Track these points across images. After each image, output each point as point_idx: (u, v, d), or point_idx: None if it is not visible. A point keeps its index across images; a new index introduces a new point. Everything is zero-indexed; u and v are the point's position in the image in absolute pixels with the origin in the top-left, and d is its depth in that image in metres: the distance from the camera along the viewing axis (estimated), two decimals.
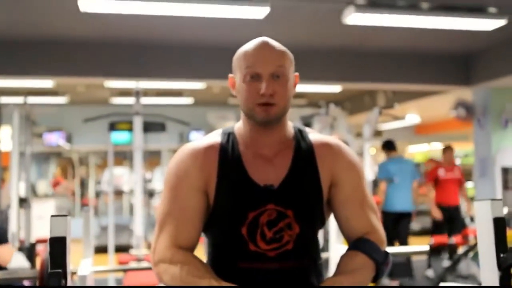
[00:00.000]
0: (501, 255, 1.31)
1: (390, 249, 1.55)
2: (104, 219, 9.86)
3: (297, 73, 1.46)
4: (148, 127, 6.19)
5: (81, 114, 7.56)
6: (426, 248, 3.03)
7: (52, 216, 1.26)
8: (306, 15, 5.29)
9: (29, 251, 5.10)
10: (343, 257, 1.43)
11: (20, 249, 5.07)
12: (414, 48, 6.74)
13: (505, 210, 5.25)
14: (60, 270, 1.20)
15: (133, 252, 5.91)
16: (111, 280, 5.80)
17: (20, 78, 6.38)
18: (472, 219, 6.93)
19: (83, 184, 12.70)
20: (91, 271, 2.42)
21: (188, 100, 9.44)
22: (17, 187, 5.74)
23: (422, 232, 10.13)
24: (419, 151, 16.81)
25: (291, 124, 1.51)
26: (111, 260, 5.78)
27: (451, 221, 6.53)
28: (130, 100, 6.64)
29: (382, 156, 6.85)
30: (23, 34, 5.74)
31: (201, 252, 1.47)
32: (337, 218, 1.50)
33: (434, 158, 13.18)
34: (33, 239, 5.47)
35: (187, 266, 1.33)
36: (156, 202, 10.46)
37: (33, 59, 5.99)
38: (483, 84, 6.97)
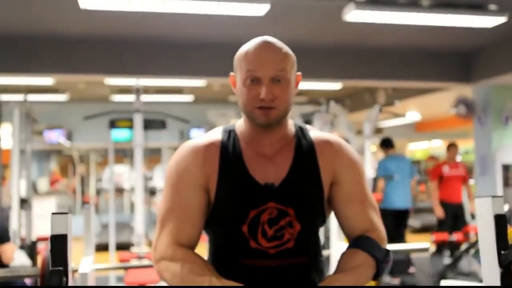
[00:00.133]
0: (502, 252, 1.31)
1: (390, 247, 1.55)
2: (105, 217, 9.88)
3: (299, 73, 1.45)
4: (149, 125, 6.19)
5: (82, 111, 7.56)
6: (427, 245, 3.03)
7: (53, 213, 1.26)
8: (306, 12, 5.28)
9: (30, 249, 5.11)
10: (343, 255, 1.43)
11: (21, 247, 5.08)
12: (415, 46, 6.73)
13: (506, 207, 5.25)
14: (61, 268, 1.20)
15: (134, 250, 5.91)
16: (112, 278, 5.81)
17: (20, 75, 6.38)
18: (473, 216, 6.94)
19: (83, 182, 12.71)
20: (92, 269, 2.42)
21: (188, 98, 9.44)
22: (17, 185, 5.74)
23: (423, 230, 10.15)
24: (419, 149, 16.83)
25: (291, 122, 1.51)
26: (112, 258, 5.78)
27: (456, 218, 6.52)
28: (130, 98, 6.64)
29: (382, 154, 6.84)
30: (23, 31, 5.74)
31: (203, 249, 1.47)
32: (337, 216, 1.50)
33: (435, 155, 13.20)
34: (34, 237, 5.47)
35: (188, 263, 1.32)
36: (157, 199, 10.47)
37: (33, 56, 5.99)
38: (483, 81, 6.97)
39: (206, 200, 1.42)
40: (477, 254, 5.27)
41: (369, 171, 6.79)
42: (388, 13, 4.61)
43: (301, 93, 9.03)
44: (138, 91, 6.10)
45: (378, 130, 9.92)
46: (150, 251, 5.90)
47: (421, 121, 12.87)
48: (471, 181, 6.78)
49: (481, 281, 1.41)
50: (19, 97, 6.18)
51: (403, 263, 6.08)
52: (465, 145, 12.90)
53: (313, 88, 8.29)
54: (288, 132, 1.47)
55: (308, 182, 1.43)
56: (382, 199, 6.27)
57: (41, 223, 6.53)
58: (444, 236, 6.12)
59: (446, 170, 6.55)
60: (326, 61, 6.73)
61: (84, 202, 11.85)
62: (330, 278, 1.35)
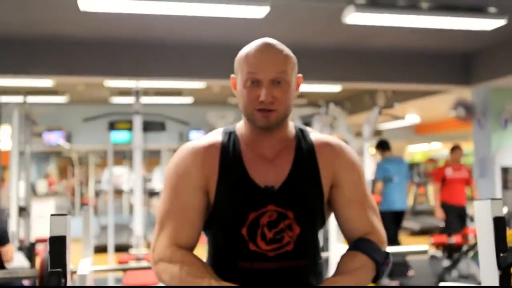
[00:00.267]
0: (501, 255, 1.31)
1: (390, 249, 1.55)
2: (104, 219, 9.87)
3: (300, 75, 1.45)
4: (148, 127, 6.19)
5: (81, 113, 7.57)
6: (426, 248, 3.03)
7: (52, 215, 1.26)
8: (306, 15, 5.29)
9: (29, 251, 5.11)
10: (343, 257, 1.42)
11: (20, 248, 5.07)
12: (414, 48, 6.74)
13: (505, 210, 5.26)
14: (60, 270, 1.20)
15: (132, 251, 5.91)
16: (111, 280, 5.80)
17: (19, 77, 6.38)
18: (471, 219, 6.94)
19: (81, 184, 12.69)
20: (91, 270, 2.41)
21: (187, 100, 9.44)
22: (16, 187, 5.74)
23: (421, 232, 10.15)
24: (419, 151, 16.83)
25: (292, 124, 1.50)
26: (110, 259, 5.77)
27: (461, 219, 6.51)
28: (129, 100, 6.63)
29: (378, 156, 6.86)
30: (23, 33, 5.74)
31: (202, 251, 1.47)
32: (337, 218, 1.50)
33: (434, 157, 13.20)
34: (32, 239, 5.47)
35: (187, 265, 1.32)
36: (156, 201, 10.46)
37: (33, 58, 5.99)
38: (483, 84, 6.98)
39: (205, 201, 1.41)
40: (475, 257, 5.27)
41: (369, 173, 6.80)
42: (388, 15, 4.61)
43: (301, 95, 9.03)
44: (137, 93, 6.10)
45: (377, 133, 9.92)
46: (148, 252, 5.89)
47: (420, 124, 12.88)
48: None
49: (479, 283, 1.41)
50: (18, 98, 6.17)
51: (400, 265, 6.09)
52: (465, 148, 12.88)
53: (312, 90, 8.29)
54: (289, 134, 1.46)
55: (308, 185, 1.42)
56: (380, 201, 6.28)
57: (39, 225, 6.52)
58: (443, 238, 6.12)
59: (449, 172, 6.50)
60: (326, 63, 6.74)
61: (83, 204, 11.84)
62: (329, 280, 1.35)
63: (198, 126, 10.24)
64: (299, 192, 1.41)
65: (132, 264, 5.11)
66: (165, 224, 1.40)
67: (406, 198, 6.53)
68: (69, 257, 1.25)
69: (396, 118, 9.29)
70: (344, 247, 1.48)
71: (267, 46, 1.38)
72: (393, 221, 6.30)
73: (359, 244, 1.42)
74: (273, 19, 5.02)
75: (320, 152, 1.46)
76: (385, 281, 5.71)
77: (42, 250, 4.66)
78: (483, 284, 1.36)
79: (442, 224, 6.74)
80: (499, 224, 1.33)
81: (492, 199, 1.34)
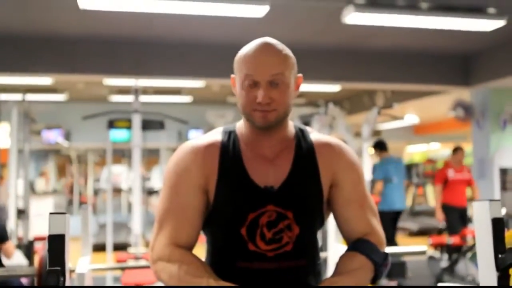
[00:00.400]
0: (499, 256, 1.31)
1: (388, 249, 1.55)
2: (103, 217, 9.87)
3: (300, 75, 1.45)
4: (147, 125, 6.19)
5: (80, 111, 7.56)
6: (424, 248, 3.03)
7: (51, 213, 1.26)
8: (306, 14, 5.29)
9: (27, 249, 5.10)
10: (342, 258, 1.43)
11: (19, 246, 5.07)
12: (414, 48, 6.74)
13: (503, 211, 5.25)
14: (58, 268, 1.20)
15: (131, 250, 5.90)
16: (109, 278, 5.80)
17: (19, 75, 6.38)
18: (471, 220, 6.94)
19: (73, 183, 12.69)
20: (89, 269, 2.41)
21: (187, 99, 9.44)
22: (15, 184, 5.74)
23: (420, 233, 10.15)
24: (417, 151, 16.84)
25: (292, 124, 1.50)
26: (109, 258, 5.77)
27: (462, 220, 6.50)
28: (129, 98, 6.63)
29: (376, 156, 6.87)
30: (23, 31, 5.74)
31: (201, 251, 1.47)
32: (336, 219, 1.50)
33: (433, 158, 13.21)
34: (31, 237, 5.47)
35: (185, 265, 1.32)
36: (155, 200, 10.46)
37: (32, 56, 5.98)
38: (482, 84, 6.98)
39: (204, 201, 1.41)
40: (474, 258, 5.27)
41: (367, 173, 6.80)
42: (387, 15, 4.61)
43: (300, 94, 8.95)
44: (136, 91, 6.10)
45: (376, 133, 9.93)
46: (147, 251, 5.88)
47: (419, 124, 12.89)
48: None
49: (478, 284, 1.41)
50: (17, 96, 6.17)
51: (398, 266, 6.10)
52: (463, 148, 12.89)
53: (312, 90, 8.29)
54: (288, 134, 1.46)
55: (307, 185, 1.42)
56: (380, 201, 6.29)
57: (38, 223, 6.52)
58: (441, 239, 6.12)
59: (451, 174, 6.45)
60: (325, 63, 6.74)
61: (82, 202, 11.83)
62: (328, 280, 1.35)
63: (197, 125, 10.24)
64: (299, 192, 1.41)
65: (131, 262, 5.11)
66: (164, 223, 1.40)
67: (405, 198, 6.56)
68: (67, 256, 1.25)
69: (395, 118, 9.30)
70: (342, 248, 1.48)
71: (265, 47, 1.37)
72: (393, 221, 6.34)
73: (358, 244, 1.42)
74: (272, 18, 5.02)
75: (320, 152, 1.46)
76: (384, 281, 5.72)
77: (41, 248, 4.65)
78: (481, 285, 1.37)
79: (441, 225, 6.74)
80: (498, 225, 1.33)
81: (491, 200, 1.34)
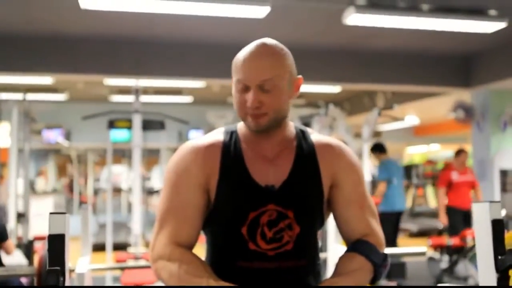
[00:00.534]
0: (499, 257, 1.32)
1: (388, 250, 1.55)
2: (102, 217, 9.87)
3: (300, 76, 1.44)
4: (147, 125, 6.19)
5: (80, 111, 7.56)
6: (424, 249, 3.04)
7: (51, 213, 1.26)
8: (306, 15, 5.29)
9: (27, 248, 5.10)
10: (341, 259, 1.43)
11: (18, 246, 5.07)
12: (414, 50, 6.74)
13: (503, 212, 5.25)
14: (58, 268, 1.20)
15: (131, 250, 5.91)
16: (109, 278, 5.80)
17: (19, 74, 6.38)
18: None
19: (72, 183, 12.68)
20: (89, 269, 2.41)
21: (187, 99, 9.44)
22: (15, 184, 5.74)
23: (420, 234, 10.15)
24: (417, 153, 16.84)
25: (292, 125, 1.51)
26: (109, 258, 5.77)
27: (466, 222, 6.48)
28: (129, 98, 6.63)
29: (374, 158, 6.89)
30: (23, 31, 5.74)
31: (201, 251, 1.47)
32: (336, 219, 1.50)
33: (433, 159, 13.22)
34: (31, 236, 5.47)
35: (186, 264, 1.32)
36: (155, 200, 10.46)
37: (33, 55, 5.98)
38: (482, 86, 6.98)
39: (205, 200, 1.41)
40: (474, 259, 5.27)
41: (368, 174, 6.81)
42: (388, 17, 4.61)
43: (300, 95, 8.98)
44: (137, 91, 6.10)
45: (376, 134, 9.94)
46: (147, 251, 5.90)
47: (419, 125, 12.88)
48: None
49: (477, 285, 1.41)
50: (18, 96, 6.17)
51: (398, 266, 6.10)
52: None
53: (312, 91, 8.29)
54: (289, 135, 1.47)
55: (308, 185, 1.43)
56: (383, 202, 6.31)
57: (38, 222, 6.53)
58: (441, 240, 6.12)
59: (455, 176, 6.39)
60: (326, 63, 6.74)
61: (82, 202, 11.83)
62: (327, 281, 1.35)
63: (197, 125, 10.24)
64: (300, 191, 1.41)
65: (130, 262, 5.11)
66: (165, 222, 1.40)
67: (405, 199, 6.60)
68: (67, 256, 1.25)
69: (395, 119, 9.29)
70: (342, 248, 1.48)
71: (258, 51, 1.37)
72: (395, 222, 6.41)
73: (357, 245, 1.42)
74: (273, 19, 5.03)
75: (321, 153, 1.46)
76: (383, 282, 5.72)
77: (41, 248, 4.65)
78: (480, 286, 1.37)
79: (440, 226, 6.74)
80: (497, 226, 1.33)
81: (491, 201, 1.34)
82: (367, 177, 6.88)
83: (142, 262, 4.74)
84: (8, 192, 5.86)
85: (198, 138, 1.49)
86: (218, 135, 1.48)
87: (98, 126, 7.68)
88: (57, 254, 1.23)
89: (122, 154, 11.06)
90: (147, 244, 8.16)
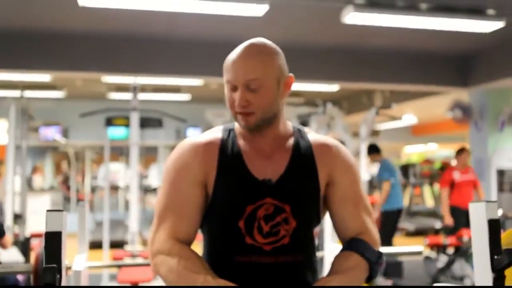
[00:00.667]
0: (495, 257, 1.32)
1: (385, 249, 1.55)
2: (99, 215, 9.86)
3: (291, 74, 1.46)
4: (145, 123, 6.18)
5: (78, 108, 7.55)
6: (421, 249, 3.04)
7: (48, 211, 1.26)
8: (305, 14, 5.29)
9: (24, 245, 5.10)
10: (337, 257, 1.44)
11: (15, 243, 5.07)
12: (412, 49, 6.75)
13: (500, 212, 5.26)
14: (55, 265, 1.20)
15: (128, 248, 5.90)
16: (105, 276, 5.80)
17: (17, 71, 6.37)
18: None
19: (67, 179, 12.66)
20: (86, 266, 2.41)
21: (185, 97, 9.43)
22: (12, 181, 5.73)
23: (416, 233, 10.16)
24: (415, 152, 16.87)
25: (290, 124, 1.53)
26: (105, 255, 5.77)
27: (468, 222, 6.44)
28: (127, 96, 6.63)
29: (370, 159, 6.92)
30: (21, 28, 5.73)
31: (197, 249, 1.47)
32: (332, 217, 1.52)
33: (430, 159, 13.23)
34: (27, 233, 5.46)
35: (184, 259, 1.33)
36: (152, 198, 10.46)
37: (31, 52, 5.97)
38: (480, 85, 6.99)
39: (204, 196, 1.43)
40: (470, 258, 5.28)
41: (365, 174, 6.82)
42: (386, 15, 4.61)
43: (298, 94, 9.04)
44: (135, 89, 6.09)
45: (374, 133, 9.94)
46: (144, 249, 5.90)
47: (417, 125, 12.90)
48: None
49: (473, 285, 1.42)
50: (15, 93, 6.17)
51: (394, 266, 6.11)
52: None
53: (310, 90, 8.29)
54: (284, 132, 1.49)
55: (305, 180, 1.45)
56: (386, 201, 6.32)
57: (34, 219, 6.51)
58: (437, 239, 6.13)
59: (457, 176, 6.32)
60: (324, 62, 6.74)
61: (79, 200, 11.82)
62: (323, 279, 1.36)
63: (195, 123, 10.24)
64: (296, 186, 1.43)
65: (127, 260, 5.10)
66: (164, 218, 1.41)
67: (402, 197, 6.71)
68: (64, 253, 1.25)
69: (393, 118, 9.30)
70: (338, 247, 1.49)
71: (245, 52, 1.40)
72: (396, 219, 6.51)
73: (352, 244, 1.44)
74: (272, 17, 5.02)
75: (318, 151, 1.48)
76: (379, 279, 5.73)
77: (37, 245, 4.65)
78: (476, 286, 1.37)
79: (438, 225, 6.74)
80: (494, 226, 1.34)
81: (487, 201, 1.35)
82: (365, 177, 6.90)
83: (139, 260, 4.74)
84: (5, 189, 5.85)
85: (196, 136, 1.51)
86: (216, 133, 1.50)
87: (95, 124, 7.68)
88: (53, 252, 1.23)
89: (119, 152, 11.05)
90: (144, 242, 8.16)
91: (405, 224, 10.47)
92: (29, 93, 6.57)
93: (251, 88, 1.37)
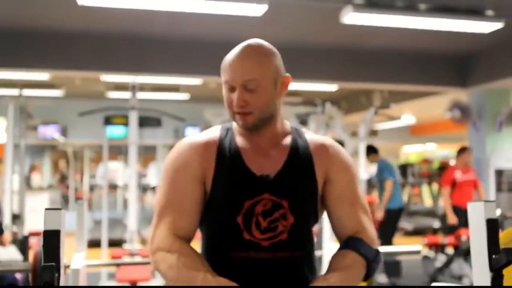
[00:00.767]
0: (493, 256, 1.32)
1: (383, 248, 1.56)
2: (98, 213, 9.86)
3: (287, 74, 1.48)
4: (144, 122, 6.18)
5: (77, 107, 7.55)
6: (419, 248, 3.04)
7: (46, 209, 1.26)
8: (304, 14, 5.29)
9: (22, 244, 5.09)
10: (334, 256, 1.45)
11: (14, 241, 5.06)
12: (411, 49, 6.75)
13: (498, 212, 5.27)
14: (53, 264, 1.20)
15: (126, 246, 5.90)
16: (104, 275, 5.79)
17: (16, 70, 6.36)
18: None
19: (63, 178, 12.65)
20: (84, 265, 2.41)
21: (184, 96, 9.43)
22: (11, 180, 5.73)
23: (415, 232, 10.17)
24: (413, 152, 16.89)
25: (287, 123, 1.55)
26: (104, 254, 5.77)
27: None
28: (126, 95, 6.63)
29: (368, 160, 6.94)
30: (20, 26, 5.72)
31: (196, 248, 1.48)
32: (329, 216, 1.53)
33: (429, 158, 13.24)
34: (26, 232, 5.45)
35: (184, 256, 1.34)
36: (151, 197, 10.46)
37: (30, 51, 5.97)
38: (479, 86, 7.00)
39: (203, 193, 1.44)
40: (468, 258, 5.29)
41: (363, 173, 6.82)
42: (386, 16, 4.62)
43: (297, 93, 9.05)
44: (134, 88, 6.09)
45: (373, 133, 9.95)
46: (142, 248, 5.89)
47: (415, 125, 12.91)
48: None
49: (472, 284, 1.42)
50: (14, 91, 6.16)
51: (393, 265, 6.12)
52: None
53: (309, 89, 8.30)
54: (282, 131, 1.51)
55: (302, 176, 1.46)
56: (390, 199, 6.33)
57: (33, 218, 6.51)
58: (436, 239, 6.14)
59: (458, 175, 6.27)
60: (323, 62, 6.74)
61: (78, 198, 11.81)
62: (322, 277, 1.37)
63: (194, 122, 10.24)
64: (294, 182, 1.45)
65: (126, 259, 5.10)
66: (164, 215, 1.42)
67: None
68: (62, 252, 1.25)
69: (391, 118, 9.31)
70: (337, 246, 1.49)
71: (242, 53, 1.42)
72: (398, 218, 6.56)
73: (349, 242, 1.44)
74: (271, 17, 5.02)
75: (315, 150, 1.50)
76: (378, 280, 5.73)
77: (36, 244, 4.65)
78: (475, 285, 1.37)
79: (436, 225, 6.75)
80: (492, 226, 1.34)
81: (486, 201, 1.35)
82: (364, 176, 6.91)
83: (138, 259, 4.74)
84: (3, 188, 5.85)
85: (195, 135, 1.53)
86: (214, 132, 1.53)
87: (94, 123, 7.68)
88: (52, 250, 1.23)
89: (118, 151, 11.05)
90: (142, 241, 8.16)
91: (404, 223, 10.48)
92: (27, 92, 6.56)
93: (249, 89, 1.39)
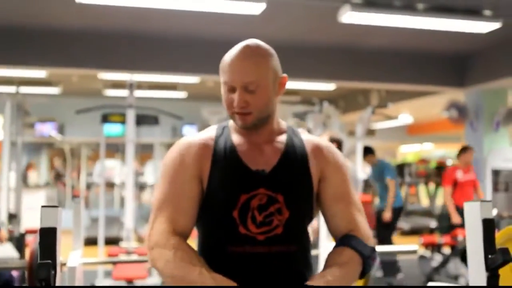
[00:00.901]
0: (489, 256, 1.33)
1: (380, 248, 1.56)
2: (95, 211, 9.85)
3: (285, 75, 1.51)
4: (141, 120, 6.18)
5: (74, 105, 7.53)
6: (416, 247, 3.05)
7: (42, 206, 1.26)
8: (302, 13, 5.29)
9: (18, 241, 5.08)
10: (330, 253, 1.46)
11: (10, 239, 5.05)
12: (409, 48, 6.76)
13: (494, 212, 5.27)
14: (49, 261, 1.20)
15: (123, 244, 5.90)
16: (100, 273, 5.79)
17: (13, 67, 6.35)
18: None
19: (59, 176, 12.63)
20: (81, 263, 2.41)
21: (181, 94, 9.42)
22: (7, 177, 5.72)
23: (411, 232, 10.19)
24: (410, 151, 16.91)
25: (284, 122, 1.59)
26: (100, 252, 5.77)
27: None
28: (123, 93, 6.62)
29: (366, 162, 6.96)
30: (17, 24, 5.71)
31: (192, 246, 1.48)
32: (324, 215, 1.54)
33: (426, 158, 13.26)
34: (22, 229, 5.45)
35: (180, 251, 1.35)
36: (148, 195, 10.45)
37: (27, 49, 5.95)
38: (476, 86, 7.01)
39: (200, 191, 1.46)
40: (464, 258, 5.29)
41: (360, 172, 6.82)
42: (383, 15, 4.62)
43: (295, 92, 9.04)
44: (131, 86, 6.08)
45: (370, 132, 9.95)
46: (139, 246, 5.89)
47: (412, 124, 12.92)
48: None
49: (468, 284, 1.42)
50: (11, 89, 6.15)
51: (390, 264, 6.13)
52: (456, 149, 12.94)
53: (306, 88, 8.30)
54: (278, 130, 1.55)
55: (297, 172, 1.49)
56: (386, 200, 6.34)
57: (30, 216, 6.49)
58: (432, 238, 6.15)
59: (460, 175, 6.25)
60: (320, 61, 6.74)
61: (74, 196, 11.80)
62: (319, 274, 1.37)
63: (191, 120, 10.22)
64: (289, 177, 1.47)
65: (122, 257, 5.11)
66: (161, 211, 1.44)
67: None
68: (59, 249, 1.25)
69: (389, 118, 9.31)
70: (332, 245, 1.50)
71: (241, 54, 1.44)
72: (398, 216, 6.58)
73: (345, 240, 1.46)
74: (269, 16, 5.02)
75: (310, 150, 1.53)
76: (375, 279, 5.74)
77: (32, 241, 4.65)
78: (471, 285, 1.38)
79: (433, 225, 6.76)
80: (488, 226, 1.34)
81: (482, 201, 1.35)
82: (361, 176, 6.90)
83: (134, 257, 4.74)
84: (0, 185, 5.84)
85: (193, 135, 1.56)
86: (211, 131, 1.56)
87: (91, 120, 7.66)
88: (48, 248, 1.23)
89: (115, 149, 11.02)
90: (139, 239, 8.16)
91: (400, 223, 10.49)
92: (24, 89, 6.55)
93: (249, 90, 1.42)
